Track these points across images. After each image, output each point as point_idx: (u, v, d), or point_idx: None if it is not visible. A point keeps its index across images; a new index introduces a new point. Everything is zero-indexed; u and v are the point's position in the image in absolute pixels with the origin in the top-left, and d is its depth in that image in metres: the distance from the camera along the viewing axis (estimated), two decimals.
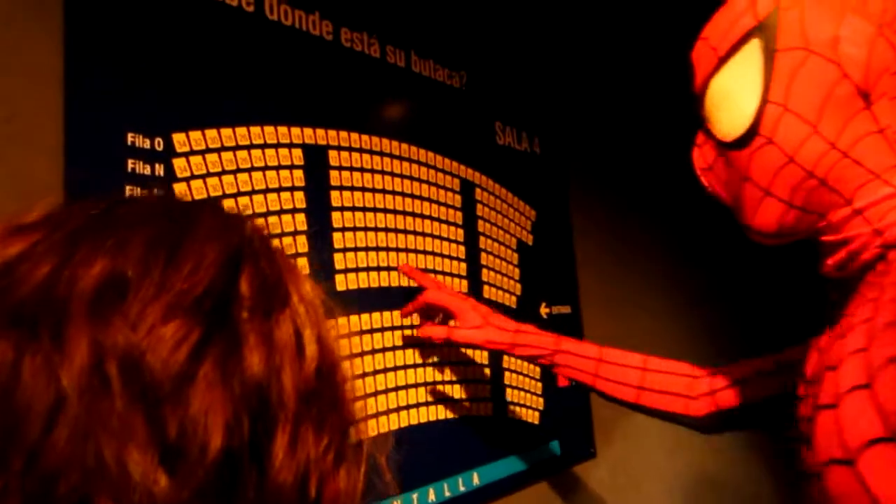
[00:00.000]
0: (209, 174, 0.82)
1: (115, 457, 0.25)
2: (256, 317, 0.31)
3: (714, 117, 0.61)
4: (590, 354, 0.96)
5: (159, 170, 0.77)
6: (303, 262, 0.92)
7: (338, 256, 0.98)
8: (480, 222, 1.29)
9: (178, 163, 0.79)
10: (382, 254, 1.05)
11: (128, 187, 0.73)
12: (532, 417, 1.33)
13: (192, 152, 0.81)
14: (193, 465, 0.27)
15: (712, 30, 0.62)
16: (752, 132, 0.57)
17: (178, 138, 0.79)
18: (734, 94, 0.59)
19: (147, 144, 0.76)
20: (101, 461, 0.25)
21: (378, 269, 1.04)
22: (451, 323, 1.02)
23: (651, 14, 1.86)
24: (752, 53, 0.57)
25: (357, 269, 1.00)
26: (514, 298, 1.35)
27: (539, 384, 1.37)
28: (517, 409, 1.30)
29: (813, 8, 0.54)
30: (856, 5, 0.53)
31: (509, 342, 0.97)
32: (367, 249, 1.03)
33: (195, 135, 0.81)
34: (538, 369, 1.38)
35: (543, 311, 1.45)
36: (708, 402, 0.87)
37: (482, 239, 1.28)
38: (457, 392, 1.15)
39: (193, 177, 0.80)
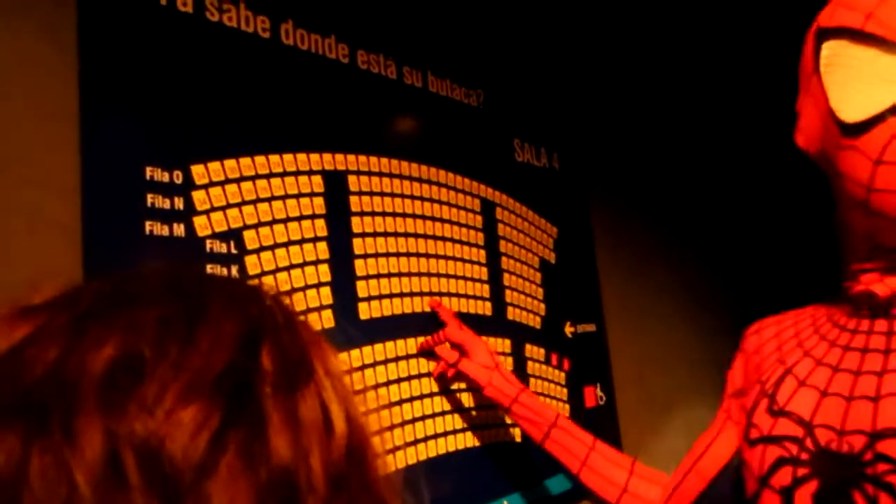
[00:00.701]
0: (229, 206, 0.80)
1: None
2: (280, 393, 0.29)
3: None
4: (584, 440, 0.92)
5: (179, 203, 0.75)
6: (325, 292, 0.90)
7: (360, 284, 0.95)
8: (502, 242, 1.26)
9: (198, 195, 0.77)
10: (405, 279, 1.03)
11: (147, 223, 0.71)
12: None
13: (212, 184, 0.79)
14: None
15: None
16: None
17: (198, 170, 0.78)
18: None
19: (166, 178, 0.74)
20: None
21: (401, 295, 1.01)
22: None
23: (669, 28, 1.84)
24: None
25: (381, 297, 0.97)
26: (538, 319, 1.32)
27: (567, 406, 1.33)
28: None
29: None
30: None
31: (512, 396, 0.95)
32: (389, 276, 1.00)
33: (214, 166, 0.79)
34: (565, 391, 1.34)
35: (568, 330, 1.41)
36: None
37: (504, 259, 1.25)
38: (483, 419, 1.12)
39: (214, 209, 0.78)
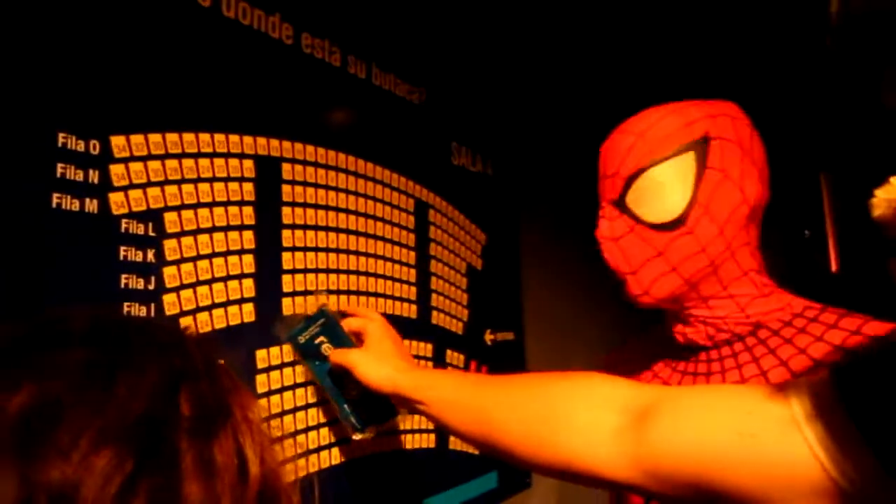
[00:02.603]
0: (150, 183, 0.73)
1: None
2: (196, 439, 0.29)
3: (643, 201, 0.72)
4: None
5: (94, 176, 0.67)
6: (248, 284, 0.84)
7: (286, 278, 0.90)
8: (432, 245, 1.24)
9: (116, 169, 0.70)
10: (333, 276, 0.98)
11: (55, 195, 0.64)
12: (472, 449, 1.29)
13: (133, 158, 0.72)
14: None
15: (646, 129, 0.73)
16: (678, 222, 0.70)
17: (118, 142, 0.70)
18: (667, 188, 0.71)
19: (81, 147, 0.67)
20: None
21: (328, 292, 0.97)
22: None
23: (609, 46, 1.88)
24: (687, 162, 0.71)
25: (305, 293, 0.93)
26: (460, 325, 1.31)
27: None
28: (458, 441, 1.25)
29: (728, 145, 0.72)
30: (750, 155, 0.73)
31: None
32: (316, 271, 0.96)
33: (137, 139, 0.72)
34: None
35: (488, 337, 1.41)
36: None
37: (433, 262, 1.24)
38: (398, 424, 1.09)
39: (132, 186, 0.71)
